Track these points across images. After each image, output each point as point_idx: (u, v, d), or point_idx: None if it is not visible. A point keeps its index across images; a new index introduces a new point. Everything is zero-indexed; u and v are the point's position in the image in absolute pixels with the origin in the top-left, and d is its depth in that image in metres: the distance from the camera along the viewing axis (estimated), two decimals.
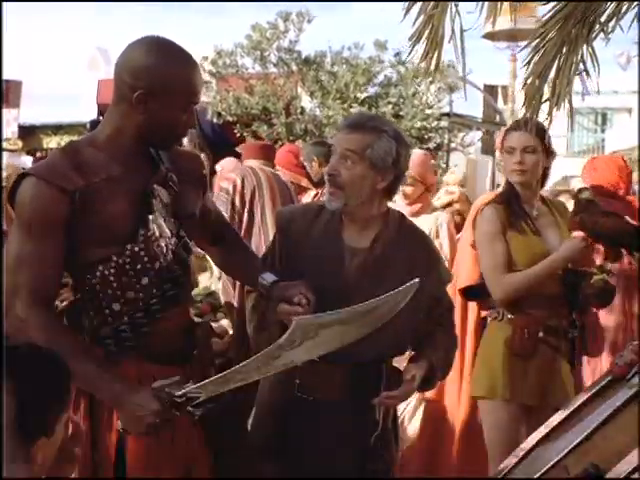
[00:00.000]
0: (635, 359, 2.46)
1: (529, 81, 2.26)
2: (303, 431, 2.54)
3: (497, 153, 3.93)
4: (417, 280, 2.24)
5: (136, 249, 2.19)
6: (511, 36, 15.39)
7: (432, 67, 2.38)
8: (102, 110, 12.54)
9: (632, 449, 2.10)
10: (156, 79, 2.15)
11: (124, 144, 2.23)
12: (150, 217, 2.21)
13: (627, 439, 2.18)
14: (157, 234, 2.24)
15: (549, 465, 2.25)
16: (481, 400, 3.51)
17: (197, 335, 2.42)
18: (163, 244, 2.26)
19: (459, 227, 4.82)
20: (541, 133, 3.30)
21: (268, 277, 2.42)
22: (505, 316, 3.40)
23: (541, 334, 3.35)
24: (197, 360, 2.37)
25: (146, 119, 2.18)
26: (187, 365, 2.30)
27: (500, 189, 3.68)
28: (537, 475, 2.24)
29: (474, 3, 2.32)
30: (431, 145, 14.86)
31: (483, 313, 3.77)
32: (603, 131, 27.79)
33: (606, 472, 2.10)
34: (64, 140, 14.30)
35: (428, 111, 14.46)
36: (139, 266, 2.19)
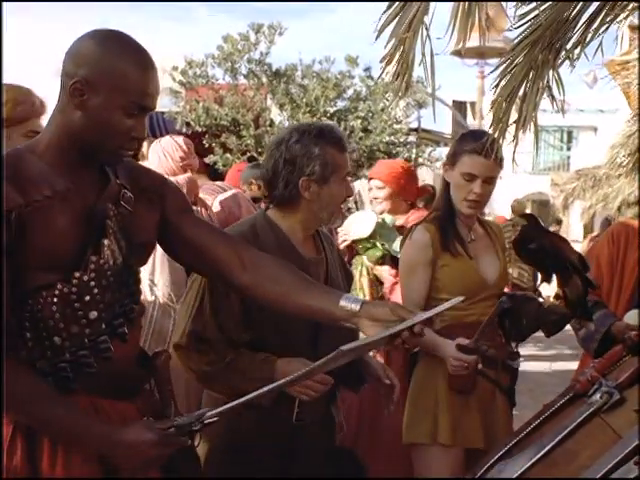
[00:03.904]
0: (596, 376, 2.50)
1: (496, 103, 2.31)
2: (296, 449, 2.57)
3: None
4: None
5: (85, 278, 1.88)
6: (479, 53, 15.60)
7: (402, 87, 2.44)
8: None
9: (593, 464, 2.15)
10: (97, 69, 1.82)
11: (67, 150, 1.90)
12: (105, 242, 1.91)
13: (588, 454, 2.23)
14: (111, 262, 1.93)
15: None
16: (416, 447, 3.13)
17: (155, 365, 2.14)
18: (116, 274, 1.95)
19: None
20: (501, 158, 3.00)
21: (353, 302, 1.98)
22: None
23: (480, 366, 3.03)
24: (150, 393, 2.13)
25: (83, 118, 1.85)
26: (138, 399, 2.05)
27: (434, 208, 3.27)
28: None
29: (444, 27, 2.36)
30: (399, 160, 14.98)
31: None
32: (569, 149, 28.13)
33: None
34: None
35: (396, 126, 14.55)
36: (87, 297, 1.88)
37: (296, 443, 2.56)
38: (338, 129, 2.66)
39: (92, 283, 1.89)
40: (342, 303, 1.98)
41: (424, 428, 3.07)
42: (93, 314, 1.90)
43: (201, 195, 4.25)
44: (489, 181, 3.03)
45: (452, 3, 2.36)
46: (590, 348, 3.56)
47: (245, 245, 2.21)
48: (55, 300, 1.85)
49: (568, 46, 2.23)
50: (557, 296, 3.29)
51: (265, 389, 1.83)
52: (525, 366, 8.31)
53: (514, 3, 2.27)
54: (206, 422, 1.84)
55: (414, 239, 3.13)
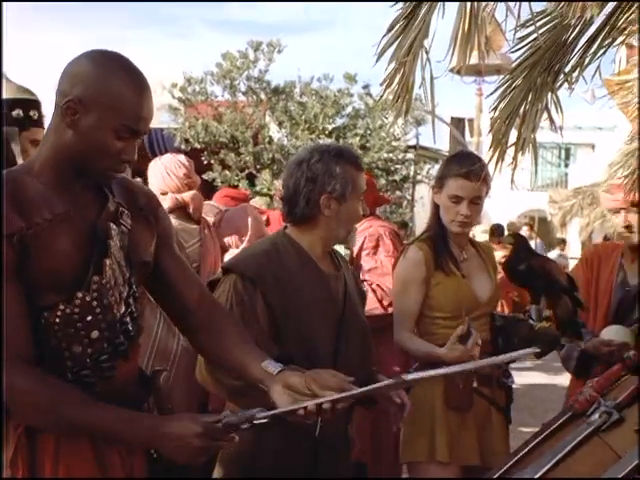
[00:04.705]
0: (595, 395, 2.51)
1: (496, 125, 2.33)
2: (319, 464, 2.57)
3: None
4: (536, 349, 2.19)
5: (87, 298, 1.86)
6: (477, 71, 15.65)
7: (403, 109, 2.46)
8: None
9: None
10: (91, 89, 1.81)
11: (62, 170, 1.88)
12: (107, 262, 1.90)
13: (588, 474, 2.23)
14: (112, 282, 1.92)
15: None
16: (414, 465, 3.16)
17: (155, 383, 2.14)
18: (117, 293, 1.94)
19: None
20: (488, 179, 3.07)
21: (273, 366, 2.03)
22: None
23: (475, 384, 3.09)
24: (150, 411, 2.09)
25: (74, 137, 1.84)
26: None
27: (426, 229, 3.34)
28: None
29: (444, 49, 2.39)
30: (397, 177, 15.04)
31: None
32: (567, 166, 28.18)
33: None
34: None
35: (395, 143, 14.64)
36: (90, 317, 1.87)
37: (319, 459, 2.57)
38: (353, 149, 2.75)
39: (94, 303, 1.87)
40: (263, 364, 2.03)
41: (421, 446, 3.08)
42: (95, 333, 1.89)
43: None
44: (476, 201, 3.11)
45: (452, 26, 2.39)
46: (570, 367, 3.64)
47: (206, 291, 2.27)
48: (57, 320, 1.83)
49: (567, 69, 2.25)
50: (547, 319, 3.33)
51: (321, 400, 1.88)
52: (525, 383, 8.33)
53: (513, 26, 2.30)
54: (255, 422, 1.84)
55: (408, 257, 3.19)
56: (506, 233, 13.43)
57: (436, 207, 3.24)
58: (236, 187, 12.72)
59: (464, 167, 3.05)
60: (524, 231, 13.85)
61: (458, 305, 3.10)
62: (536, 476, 2.34)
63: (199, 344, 2.22)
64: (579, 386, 3.62)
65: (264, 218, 5.18)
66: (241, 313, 2.46)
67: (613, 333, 3.53)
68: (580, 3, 2.21)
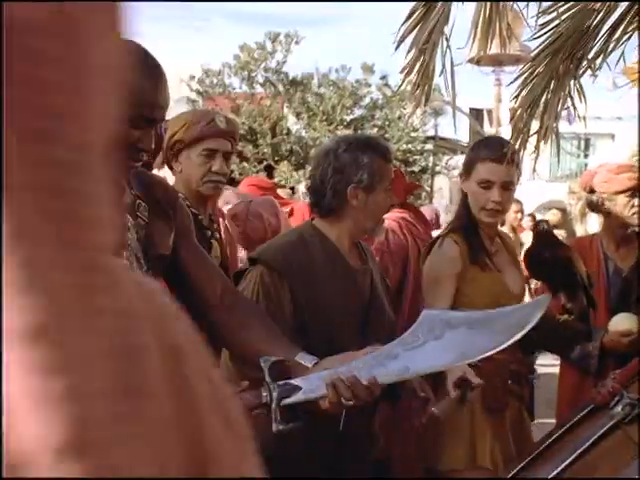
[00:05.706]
0: (617, 387, 2.48)
1: (517, 114, 2.29)
2: (343, 459, 2.55)
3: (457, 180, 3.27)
4: (548, 296, 2.12)
5: None
6: (496, 61, 15.58)
7: (422, 98, 2.43)
8: None
9: (615, 477, 2.13)
10: None
11: None
12: (125, 254, 1.87)
13: (610, 467, 2.21)
14: None
15: None
16: (456, 473, 2.91)
17: None
18: None
19: None
20: (518, 165, 2.92)
21: (308, 360, 2.02)
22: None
23: (509, 382, 2.91)
24: None
25: None
26: None
27: (455, 219, 3.15)
28: None
29: (464, 38, 2.35)
30: (416, 168, 15.00)
31: None
32: (586, 156, 27.99)
33: None
34: None
35: (413, 134, 14.60)
36: None
37: (343, 453, 2.54)
38: (383, 140, 2.70)
39: None
40: (297, 357, 2.01)
41: (461, 452, 2.91)
42: None
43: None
44: (506, 186, 2.89)
45: (472, 13, 2.35)
46: (590, 365, 3.52)
47: (229, 285, 2.23)
48: None
49: (590, 56, 2.21)
50: (567, 311, 3.26)
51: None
52: (542, 376, 8.28)
53: (535, 12, 2.26)
54: (283, 404, 1.88)
55: (444, 251, 2.99)
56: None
57: (465, 196, 3.06)
58: None
59: (494, 150, 2.86)
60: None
61: (493, 301, 2.83)
62: (556, 471, 2.32)
63: (223, 339, 2.17)
64: (571, 385, 3.58)
65: (288, 209, 5.14)
66: (267, 306, 2.42)
67: (626, 322, 3.43)
68: None
